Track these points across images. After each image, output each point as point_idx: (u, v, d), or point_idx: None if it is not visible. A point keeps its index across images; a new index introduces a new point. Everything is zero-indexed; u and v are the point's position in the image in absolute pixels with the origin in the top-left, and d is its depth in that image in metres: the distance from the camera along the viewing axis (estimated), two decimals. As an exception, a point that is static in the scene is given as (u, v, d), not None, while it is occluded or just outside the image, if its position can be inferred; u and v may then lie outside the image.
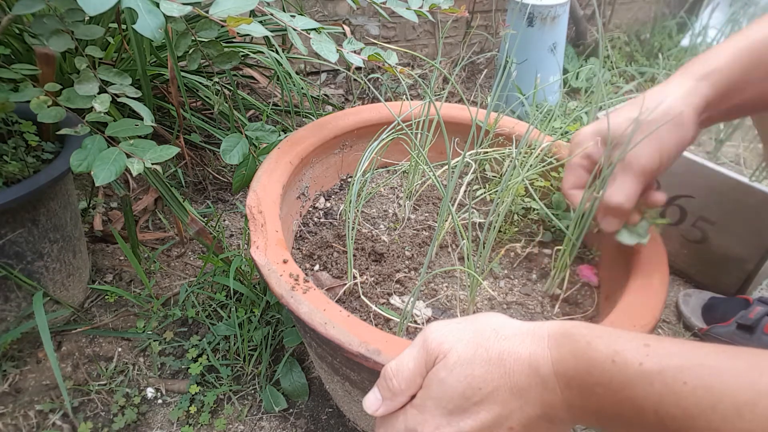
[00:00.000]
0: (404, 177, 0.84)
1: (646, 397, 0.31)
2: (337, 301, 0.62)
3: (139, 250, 0.99)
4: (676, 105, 0.52)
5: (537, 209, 0.73)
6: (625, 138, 0.53)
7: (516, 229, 0.73)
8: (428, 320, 0.61)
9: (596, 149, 0.57)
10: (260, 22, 0.66)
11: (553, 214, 0.71)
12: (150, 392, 0.84)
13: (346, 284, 0.64)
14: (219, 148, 0.87)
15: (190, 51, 0.72)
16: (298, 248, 0.71)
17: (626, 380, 0.32)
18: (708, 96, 0.53)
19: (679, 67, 0.57)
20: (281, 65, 1.20)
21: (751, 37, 0.54)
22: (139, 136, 0.68)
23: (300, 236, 0.73)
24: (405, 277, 0.67)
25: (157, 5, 0.55)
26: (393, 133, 0.66)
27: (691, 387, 0.30)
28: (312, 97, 1.41)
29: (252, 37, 1.31)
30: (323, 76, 1.79)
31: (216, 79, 0.98)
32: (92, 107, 0.65)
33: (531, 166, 0.68)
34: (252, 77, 1.37)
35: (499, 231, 0.72)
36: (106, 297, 0.98)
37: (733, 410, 0.28)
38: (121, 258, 1.06)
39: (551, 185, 0.75)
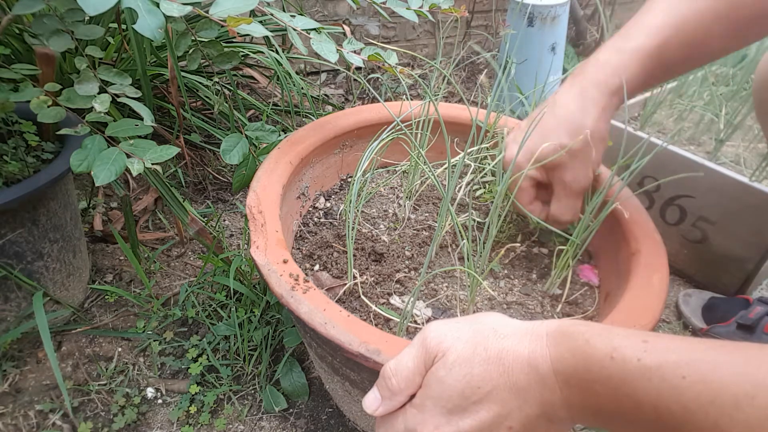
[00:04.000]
0: (404, 177, 0.84)
1: (645, 393, 0.31)
2: (337, 301, 0.62)
3: (139, 250, 0.99)
4: (590, 125, 0.57)
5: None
6: (560, 161, 0.59)
7: (515, 228, 0.73)
8: (428, 320, 0.61)
9: (536, 172, 0.61)
10: (260, 22, 0.66)
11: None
12: (150, 392, 0.84)
13: (346, 284, 0.64)
14: (219, 148, 0.87)
15: (190, 51, 0.72)
16: (298, 248, 0.71)
17: (625, 376, 0.32)
18: (618, 104, 0.59)
19: (577, 70, 0.61)
20: (281, 65, 1.20)
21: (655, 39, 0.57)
22: (139, 136, 0.68)
23: (300, 236, 0.74)
24: (405, 277, 0.67)
25: (157, 5, 0.55)
26: (393, 133, 0.66)
27: (689, 382, 0.30)
28: (312, 97, 1.41)
29: (252, 37, 1.31)
30: (323, 76, 1.79)
31: (216, 79, 0.98)
32: (92, 107, 0.65)
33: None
34: (252, 77, 1.37)
35: (499, 231, 0.72)
36: (106, 297, 0.98)
37: (731, 403, 0.28)
38: (121, 258, 1.06)
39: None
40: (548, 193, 0.64)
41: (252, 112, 1.47)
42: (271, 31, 0.65)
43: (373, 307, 0.62)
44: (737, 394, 0.28)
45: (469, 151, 0.73)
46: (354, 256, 0.68)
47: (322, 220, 0.76)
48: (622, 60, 0.56)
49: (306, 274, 0.64)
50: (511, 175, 0.61)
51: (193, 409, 0.81)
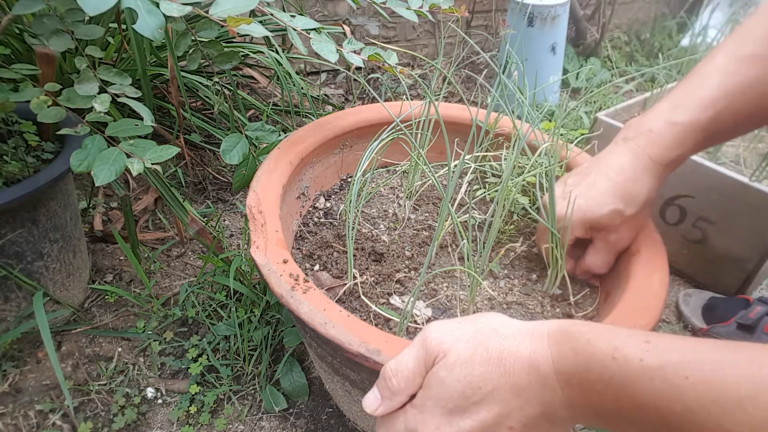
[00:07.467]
0: (404, 177, 0.84)
1: (647, 393, 0.31)
2: (337, 301, 0.62)
3: (139, 250, 0.99)
4: (645, 195, 0.59)
5: (537, 207, 0.73)
6: (611, 224, 0.60)
7: (515, 228, 0.73)
8: (428, 320, 0.61)
9: (582, 231, 0.62)
10: (260, 22, 0.66)
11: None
12: (150, 392, 0.84)
13: (346, 284, 0.64)
14: (219, 148, 0.87)
15: (190, 51, 0.72)
16: (298, 248, 0.71)
17: (627, 376, 0.32)
18: (667, 175, 0.60)
19: (625, 131, 0.62)
20: (281, 65, 1.20)
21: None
22: (139, 136, 0.68)
23: (300, 236, 0.73)
24: (405, 277, 0.67)
25: (157, 5, 0.55)
26: (393, 133, 0.66)
27: (692, 382, 0.30)
28: (312, 97, 1.41)
29: (252, 37, 1.31)
30: (323, 76, 1.79)
31: (216, 79, 0.98)
32: (92, 107, 0.65)
33: (534, 165, 0.68)
34: (252, 77, 1.37)
35: (499, 231, 0.72)
36: (106, 297, 0.98)
37: (734, 403, 0.28)
38: (121, 258, 1.06)
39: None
40: (582, 246, 0.64)
41: (252, 112, 1.47)
42: (271, 31, 0.65)
43: (373, 307, 0.62)
44: (740, 394, 0.28)
45: (469, 156, 0.73)
46: (354, 256, 0.68)
47: (322, 220, 0.76)
48: (678, 134, 0.57)
49: (306, 274, 0.64)
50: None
51: (193, 409, 0.81)
